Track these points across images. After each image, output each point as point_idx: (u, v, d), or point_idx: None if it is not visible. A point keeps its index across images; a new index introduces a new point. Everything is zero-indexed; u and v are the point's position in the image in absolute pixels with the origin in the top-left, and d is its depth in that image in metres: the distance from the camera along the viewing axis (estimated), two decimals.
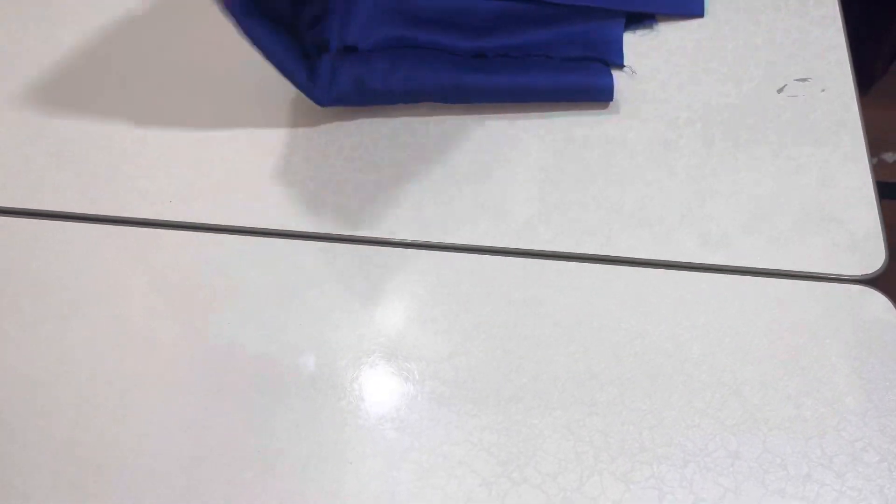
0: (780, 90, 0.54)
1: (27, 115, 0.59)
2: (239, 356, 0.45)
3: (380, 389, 0.44)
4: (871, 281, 0.45)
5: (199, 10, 0.65)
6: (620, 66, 0.56)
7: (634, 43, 0.57)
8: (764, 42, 0.57)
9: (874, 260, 0.46)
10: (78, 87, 0.60)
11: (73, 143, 0.57)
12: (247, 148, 0.55)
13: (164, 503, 0.42)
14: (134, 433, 0.44)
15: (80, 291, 0.49)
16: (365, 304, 0.47)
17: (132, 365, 0.46)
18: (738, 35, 0.57)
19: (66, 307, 0.48)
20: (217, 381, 0.45)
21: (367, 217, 0.51)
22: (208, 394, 0.44)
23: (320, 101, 0.53)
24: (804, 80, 0.54)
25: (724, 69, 0.55)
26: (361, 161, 0.53)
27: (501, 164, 0.52)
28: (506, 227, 0.49)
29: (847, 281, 0.45)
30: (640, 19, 0.58)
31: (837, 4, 0.59)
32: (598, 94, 0.54)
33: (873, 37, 1.48)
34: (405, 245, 0.49)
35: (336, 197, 0.52)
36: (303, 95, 0.53)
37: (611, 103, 0.54)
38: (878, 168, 1.40)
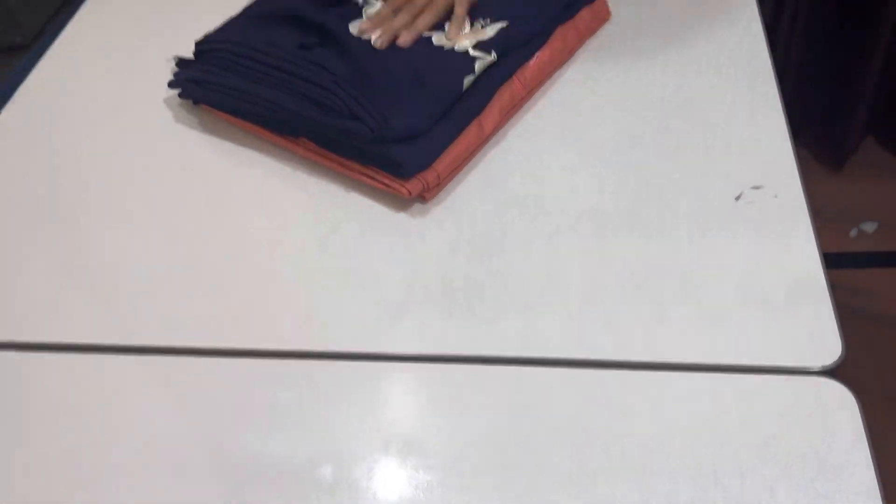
0: (737, 198, 0.60)
1: (57, 249, 0.65)
2: (263, 472, 0.50)
3: (391, 495, 0.49)
4: (831, 371, 0.50)
5: (208, 139, 0.72)
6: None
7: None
8: (719, 152, 0.63)
9: (832, 351, 0.51)
10: (104, 218, 0.67)
11: (101, 276, 0.63)
12: (266, 277, 0.61)
13: None
14: None
15: (111, 420, 0.54)
16: (375, 416, 0.52)
17: (163, 487, 0.50)
18: (696, 147, 0.64)
19: (98, 435, 0.53)
20: (242, 499, 0.49)
21: (374, 333, 0.56)
22: None
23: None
24: (758, 187, 0.60)
25: (686, 181, 0.62)
26: (363, 280, 0.59)
27: (493, 276, 0.58)
28: (500, 336, 0.54)
29: (808, 373, 0.50)
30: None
31: (783, 116, 0.66)
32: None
33: (844, 115, 1.57)
34: (408, 359, 0.54)
35: (342, 316, 0.57)
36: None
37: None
38: (858, 238, 1.47)
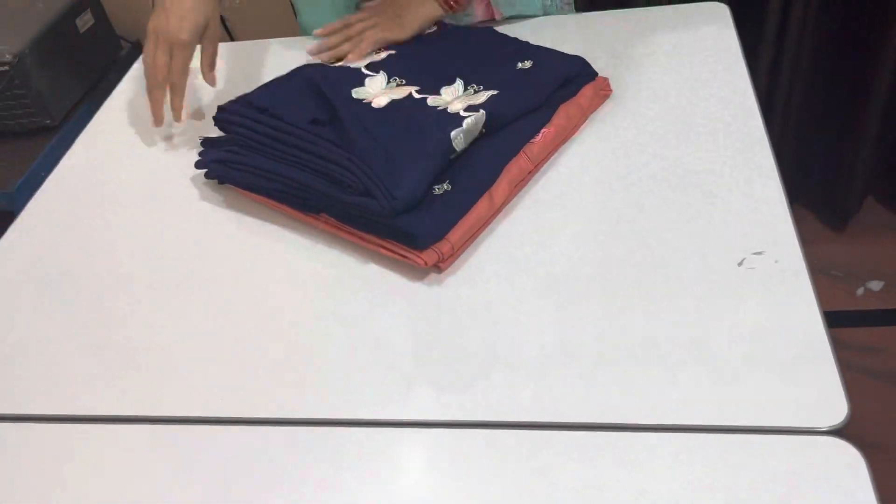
0: (739, 264, 0.63)
1: (86, 323, 0.68)
2: None
3: None
4: (838, 431, 0.52)
5: (219, 217, 0.75)
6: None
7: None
8: (720, 220, 0.66)
9: (839, 410, 0.53)
10: (131, 293, 0.70)
11: (126, 351, 0.66)
12: (285, 347, 0.63)
13: None
14: None
15: (139, 489, 0.55)
16: (394, 481, 0.54)
17: None
18: (698, 216, 0.67)
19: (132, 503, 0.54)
20: None
21: (392, 400, 0.58)
22: None
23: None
24: (759, 253, 0.63)
25: (690, 249, 0.64)
26: (381, 348, 0.61)
27: (507, 343, 0.60)
28: (515, 401, 0.56)
29: (816, 433, 0.52)
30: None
31: (780, 184, 0.69)
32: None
33: (844, 175, 1.61)
34: (425, 425, 0.56)
35: (361, 384, 0.59)
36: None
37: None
38: (865, 297, 1.48)
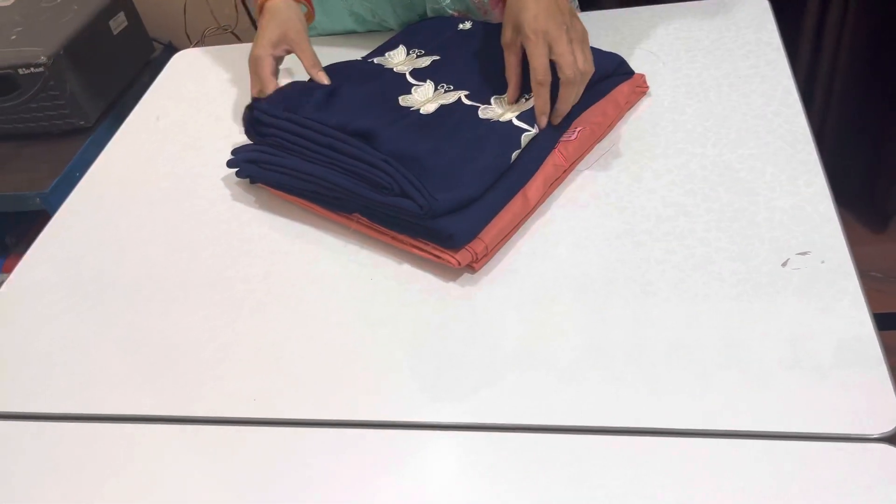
0: (783, 264, 0.61)
1: (116, 325, 0.68)
2: None
3: None
4: (890, 438, 0.50)
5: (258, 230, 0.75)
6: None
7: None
8: (763, 219, 0.64)
9: (890, 417, 0.51)
10: (163, 292, 0.70)
11: (159, 350, 0.65)
12: (318, 348, 0.62)
13: None
14: None
15: (171, 489, 0.55)
16: (425, 486, 0.53)
17: None
18: (741, 215, 0.65)
19: (164, 502, 0.54)
20: None
21: (425, 401, 0.57)
22: None
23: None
24: (805, 253, 0.61)
25: (731, 249, 0.63)
26: (414, 349, 0.60)
27: (541, 344, 0.59)
28: (549, 405, 0.55)
29: (866, 440, 0.50)
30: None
31: (825, 181, 0.67)
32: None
33: (886, 175, 1.57)
34: (459, 428, 0.55)
35: (394, 385, 0.58)
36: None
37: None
38: None
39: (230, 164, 0.78)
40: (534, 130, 0.70)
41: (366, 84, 0.79)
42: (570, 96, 0.70)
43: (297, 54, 0.83)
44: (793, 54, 1.41)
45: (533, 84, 0.70)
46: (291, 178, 0.73)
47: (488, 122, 0.72)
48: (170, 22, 1.81)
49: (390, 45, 0.87)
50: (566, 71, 0.68)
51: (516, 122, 0.71)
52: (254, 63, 0.82)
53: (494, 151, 0.69)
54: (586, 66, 0.70)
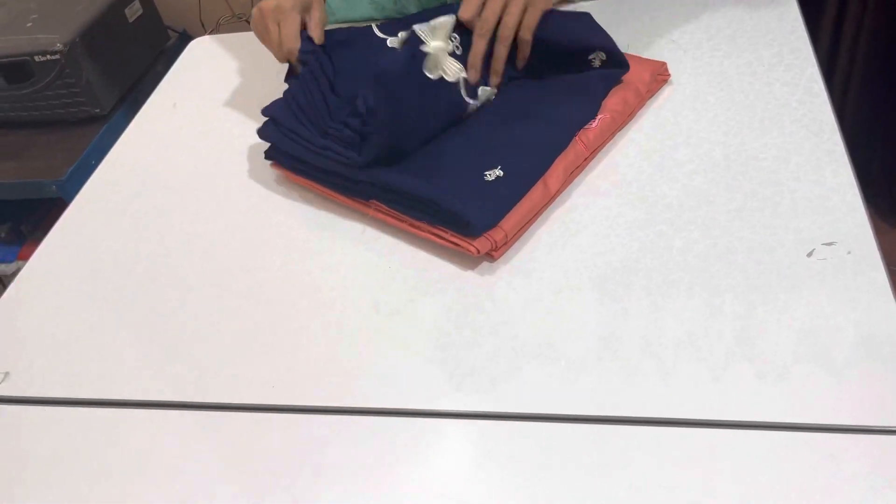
0: (809, 254, 0.60)
1: (133, 312, 0.68)
2: None
3: None
4: None
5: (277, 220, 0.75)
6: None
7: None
8: (787, 209, 0.63)
9: None
10: (183, 280, 0.69)
11: (177, 337, 0.65)
12: (336, 335, 0.62)
13: None
14: None
15: (187, 475, 0.55)
16: (444, 475, 0.52)
17: None
18: (764, 205, 0.64)
19: (183, 488, 0.54)
20: None
21: (443, 390, 0.57)
22: None
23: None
24: (830, 243, 0.60)
25: (755, 239, 0.62)
26: (431, 337, 0.60)
27: (562, 334, 0.59)
28: (569, 395, 0.54)
29: (892, 432, 0.49)
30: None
31: (851, 171, 0.65)
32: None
33: None
34: (477, 416, 0.55)
35: (412, 373, 0.58)
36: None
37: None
38: None
39: (264, 111, 0.77)
40: (491, 90, 0.77)
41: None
42: (500, 53, 0.76)
43: (310, 15, 0.80)
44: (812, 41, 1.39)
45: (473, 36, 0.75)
46: (305, 151, 0.72)
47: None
48: (184, 10, 1.81)
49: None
50: (501, 29, 0.75)
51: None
52: (276, 13, 0.78)
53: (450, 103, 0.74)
54: (523, 33, 0.75)
